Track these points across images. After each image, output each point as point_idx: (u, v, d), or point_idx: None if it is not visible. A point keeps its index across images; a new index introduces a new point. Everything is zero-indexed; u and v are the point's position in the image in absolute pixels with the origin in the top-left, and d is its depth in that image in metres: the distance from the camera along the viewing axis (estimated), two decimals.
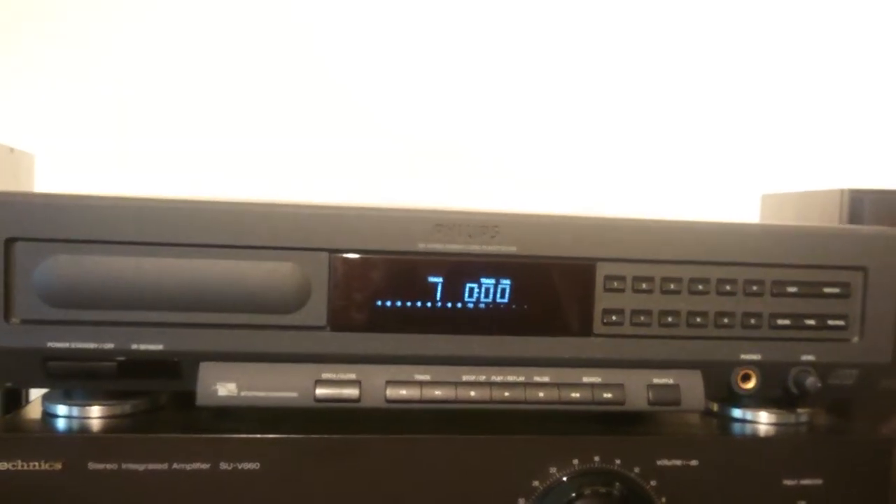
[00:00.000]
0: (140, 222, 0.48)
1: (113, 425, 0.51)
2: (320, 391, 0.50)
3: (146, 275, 0.48)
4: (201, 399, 0.49)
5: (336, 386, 0.50)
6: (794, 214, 0.75)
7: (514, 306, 0.51)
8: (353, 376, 0.50)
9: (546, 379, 0.52)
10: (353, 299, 0.50)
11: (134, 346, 0.49)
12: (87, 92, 0.88)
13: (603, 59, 0.94)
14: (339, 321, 0.50)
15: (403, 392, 0.50)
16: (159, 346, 0.49)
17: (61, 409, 0.52)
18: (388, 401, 0.50)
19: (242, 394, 0.49)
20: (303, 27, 0.91)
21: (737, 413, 0.58)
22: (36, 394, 0.58)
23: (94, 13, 0.88)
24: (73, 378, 0.49)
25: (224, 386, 0.49)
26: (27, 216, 0.47)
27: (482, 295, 0.51)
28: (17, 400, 0.61)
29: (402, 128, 0.92)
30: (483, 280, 0.51)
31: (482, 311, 0.51)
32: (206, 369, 0.49)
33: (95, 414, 0.52)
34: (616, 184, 0.94)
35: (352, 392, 0.50)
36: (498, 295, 0.51)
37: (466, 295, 0.51)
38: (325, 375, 0.50)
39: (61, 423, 0.51)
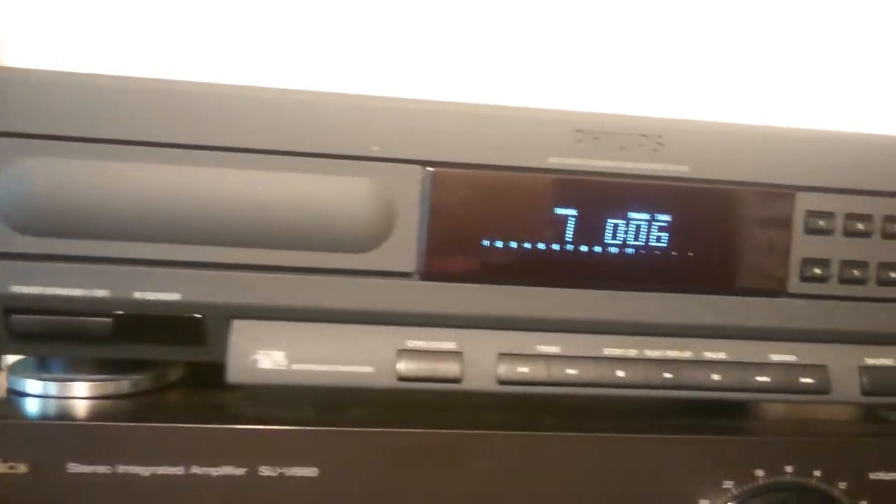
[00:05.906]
0: (157, 114, 0.33)
1: (105, 410, 0.35)
2: (405, 365, 0.34)
3: (160, 191, 0.33)
4: (234, 373, 0.34)
5: (428, 359, 0.35)
6: None
7: (677, 252, 0.36)
8: (452, 345, 0.35)
9: (721, 356, 0.37)
10: (456, 234, 0.35)
11: (138, 295, 0.33)
12: None
13: None
14: (434, 265, 0.35)
15: (523, 370, 0.35)
16: (175, 296, 0.34)
17: (31, 386, 0.37)
18: (501, 381, 0.35)
19: (295, 367, 0.34)
20: None
21: None
22: None
23: None
24: (48, 339, 0.34)
25: (268, 355, 0.34)
26: None
27: (634, 234, 0.36)
28: None
29: None
30: (637, 214, 0.36)
31: (633, 256, 0.36)
32: (241, 330, 0.34)
33: (80, 392, 0.37)
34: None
35: (450, 368, 0.35)
36: (656, 234, 0.36)
37: (612, 233, 0.36)
38: (413, 343, 0.35)
39: (31, 407, 0.36)
